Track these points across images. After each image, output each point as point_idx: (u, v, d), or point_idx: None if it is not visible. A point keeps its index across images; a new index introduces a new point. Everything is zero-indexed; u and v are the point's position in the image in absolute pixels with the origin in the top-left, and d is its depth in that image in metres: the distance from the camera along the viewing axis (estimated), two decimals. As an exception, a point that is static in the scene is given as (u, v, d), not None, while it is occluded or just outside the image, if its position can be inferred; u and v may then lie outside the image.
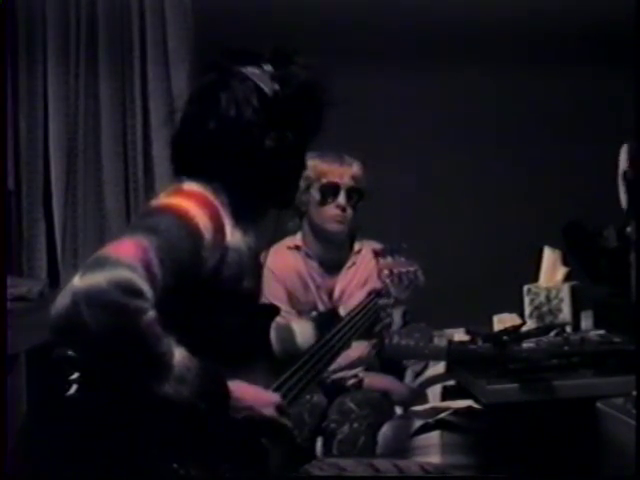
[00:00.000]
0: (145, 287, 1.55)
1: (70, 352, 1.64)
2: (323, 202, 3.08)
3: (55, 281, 3.76)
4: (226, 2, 3.86)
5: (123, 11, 3.85)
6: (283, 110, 1.86)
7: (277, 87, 1.86)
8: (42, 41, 3.82)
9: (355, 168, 3.10)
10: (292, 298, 3.11)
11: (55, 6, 3.82)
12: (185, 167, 1.90)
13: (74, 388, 1.65)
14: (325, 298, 3.15)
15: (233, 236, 1.79)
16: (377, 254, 2.42)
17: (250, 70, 1.87)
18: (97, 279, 1.52)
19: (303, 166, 2.00)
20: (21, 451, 1.68)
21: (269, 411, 1.77)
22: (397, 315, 3.01)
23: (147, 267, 1.57)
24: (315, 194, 3.08)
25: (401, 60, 3.99)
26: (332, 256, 3.18)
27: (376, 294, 2.35)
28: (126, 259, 1.56)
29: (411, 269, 2.42)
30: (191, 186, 1.82)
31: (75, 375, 1.66)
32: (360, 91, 3.92)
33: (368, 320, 2.29)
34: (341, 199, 3.07)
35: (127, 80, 3.87)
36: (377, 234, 3.14)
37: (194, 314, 1.73)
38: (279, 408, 1.80)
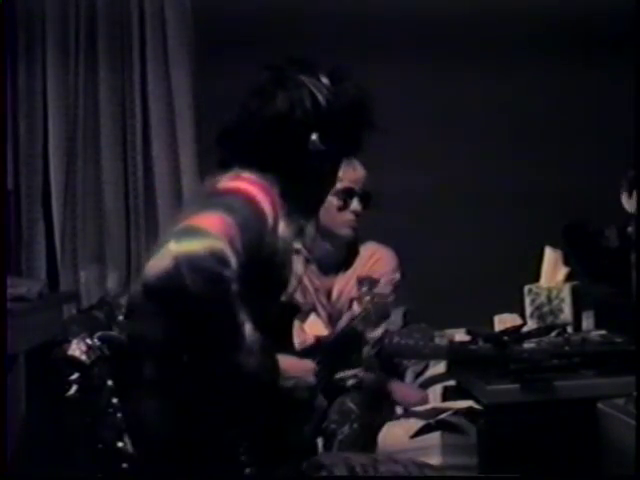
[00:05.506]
0: (232, 259, 1.59)
1: (69, 353, 1.63)
2: (340, 207, 3.08)
3: (54, 281, 3.76)
4: (226, 2, 3.85)
5: (123, 11, 3.85)
6: (331, 121, 1.92)
7: (330, 98, 1.92)
8: (41, 40, 3.83)
9: (363, 172, 3.10)
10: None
11: (54, 5, 3.82)
12: (236, 158, 1.92)
13: (74, 388, 1.65)
14: (324, 300, 3.14)
15: (283, 227, 1.85)
16: (359, 282, 2.49)
17: (306, 78, 1.93)
18: (194, 246, 1.55)
19: (334, 181, 2.07)
20: (21, 451, 1.68)
21: (310, 379, 1.92)
22: (397, 315, 3.01)
23: (231, 242, 1.61)
24: (331, 199, 3.06)
25: (401, 60, 3.98)
26: (331, 258, 3.16)
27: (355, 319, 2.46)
28: (215, 231, 1.60)
29: (383, 301, 2.49)
30: (250, 174, 1.85)
31: (75, 375, 1.66)
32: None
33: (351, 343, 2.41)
34: (356, 205, 3.07)
35: (127, 80, 3.87)
36: (378, 235, 3.14)
37: (246, 296, 1.75)
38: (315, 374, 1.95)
